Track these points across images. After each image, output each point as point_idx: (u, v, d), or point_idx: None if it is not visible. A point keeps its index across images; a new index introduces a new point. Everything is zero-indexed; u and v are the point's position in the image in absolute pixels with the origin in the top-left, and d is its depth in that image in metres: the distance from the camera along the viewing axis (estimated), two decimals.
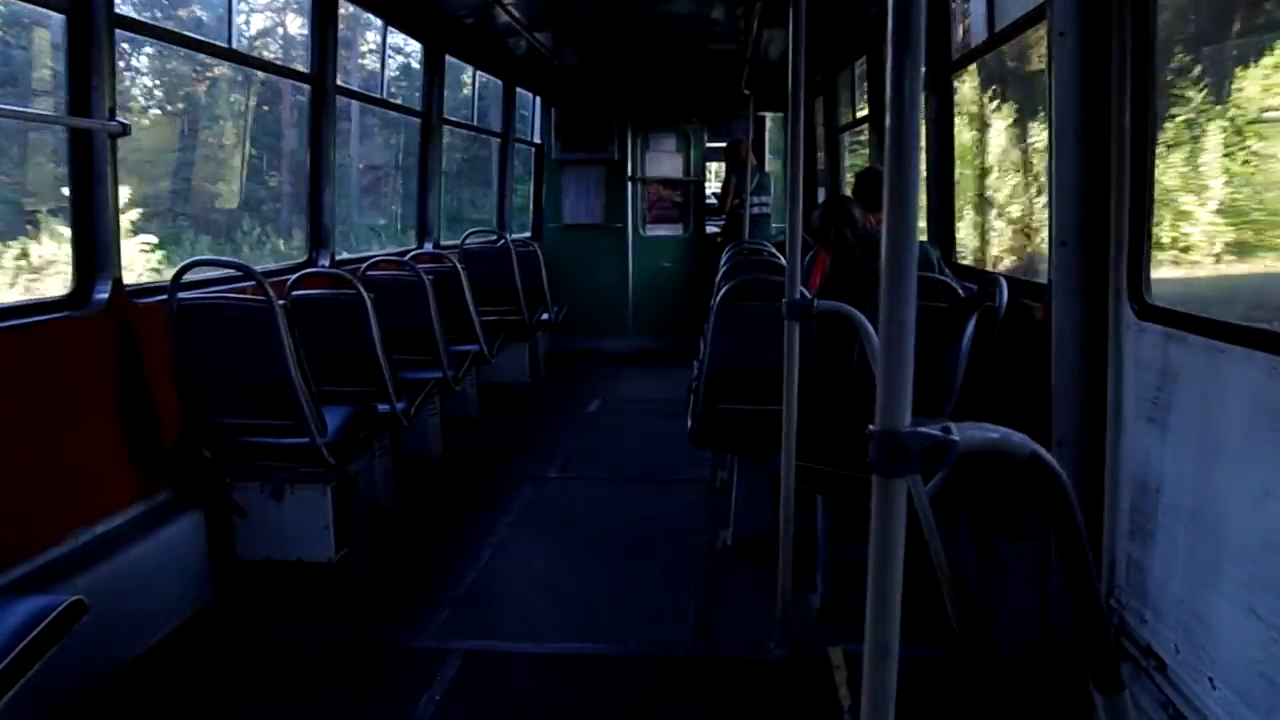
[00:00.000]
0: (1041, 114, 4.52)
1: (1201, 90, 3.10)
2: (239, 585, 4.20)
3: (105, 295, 3.77)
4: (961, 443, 1.17)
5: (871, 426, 1.17)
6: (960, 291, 4.21)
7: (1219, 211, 3.10)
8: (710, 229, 11.28)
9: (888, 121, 1.19)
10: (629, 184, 11.01)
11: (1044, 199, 4.87)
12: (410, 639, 3.78)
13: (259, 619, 3.95)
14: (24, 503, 3.28)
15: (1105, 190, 3.00)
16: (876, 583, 1.19)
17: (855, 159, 8.84)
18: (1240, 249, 3.03)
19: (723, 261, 6.82)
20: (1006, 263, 5.44)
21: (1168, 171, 3.06)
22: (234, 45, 5.10)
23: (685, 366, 6.67)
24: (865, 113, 7.76)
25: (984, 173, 5.81)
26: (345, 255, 6.39)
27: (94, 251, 3.75)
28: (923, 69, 1.25)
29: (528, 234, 10.64)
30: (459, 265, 6.75)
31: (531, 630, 3.88)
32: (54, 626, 2.30)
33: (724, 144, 11.35)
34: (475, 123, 9.50)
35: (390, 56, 7.37)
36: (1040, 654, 3.33)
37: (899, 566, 1.19)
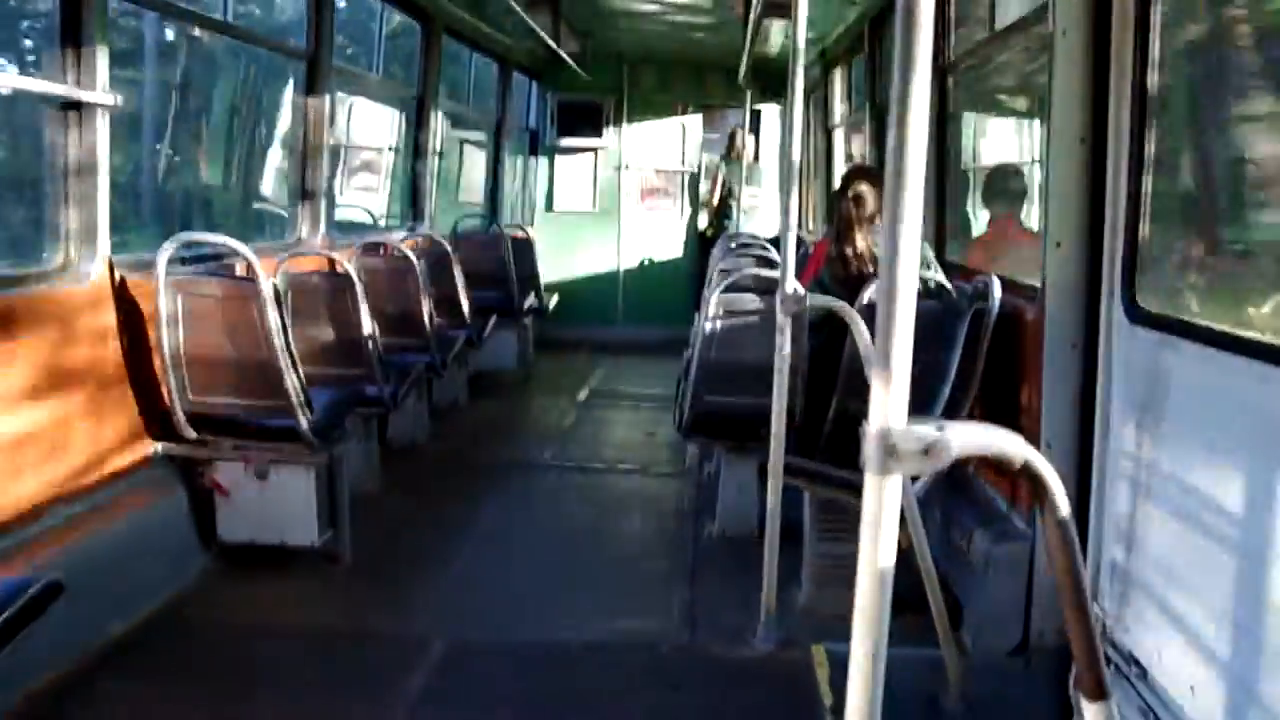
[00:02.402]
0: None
1: None
2: (221, 567, 4.15)
3: (95, 269, 3.73)
4: (956, 443, 1.14)
5: (866, 424, 1.14)
6: (953, 291, 4.19)
7: None
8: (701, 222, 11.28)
9: (892, 116, 1.16)
10: (622, 172, 11.00)
11: None
12: (394, 625, 3.76)
13: (241, 601, 3.90)
14: (2, 477, 3.23)
15: (1100, 192, 2.99)
16: (867, 583, 1.16)
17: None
18: None
19: (716, 254, 6.79)
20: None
21: None
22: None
23: (673, 356, 6.66)
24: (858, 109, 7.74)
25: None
26: (337, 236, 6.34)
27: (85, 225, 3.69)
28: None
29: (519, 220, 10.61)
30: (450, 250, 6.71)
31: (516, 618, 3.86)
32: (29, 607, 2.23)
33: (716, 135, 11.33)
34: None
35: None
36: (1022, 657, 3.33)
37: (890, 567, 1.17)
